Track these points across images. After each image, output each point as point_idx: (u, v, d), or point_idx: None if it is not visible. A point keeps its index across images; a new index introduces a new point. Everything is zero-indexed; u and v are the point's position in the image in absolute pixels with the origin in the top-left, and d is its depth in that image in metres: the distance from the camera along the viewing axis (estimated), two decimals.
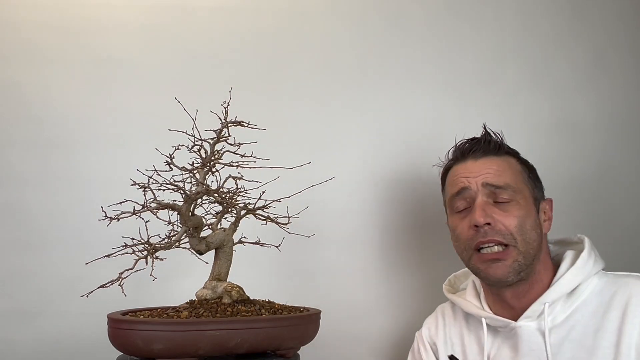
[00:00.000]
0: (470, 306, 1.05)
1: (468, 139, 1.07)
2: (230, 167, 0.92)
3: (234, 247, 0.95)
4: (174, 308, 0.91)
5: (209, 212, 0.96)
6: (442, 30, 1.44)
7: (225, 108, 0.91)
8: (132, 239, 0.82)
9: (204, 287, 0.93)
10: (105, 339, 0.86)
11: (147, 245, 0.81)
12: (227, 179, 0.92)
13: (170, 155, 0.84)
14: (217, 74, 1.31)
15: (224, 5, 1.33)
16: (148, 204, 0.80)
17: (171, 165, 0.84)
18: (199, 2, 1.32)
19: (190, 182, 0.88)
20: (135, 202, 0.80)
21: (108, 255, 0.82)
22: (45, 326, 1.19)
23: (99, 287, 0.84)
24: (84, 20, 1.27)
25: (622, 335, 0.90)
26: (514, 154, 1.06)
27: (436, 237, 1.36)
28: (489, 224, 0.96)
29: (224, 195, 0.89)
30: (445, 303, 1.16)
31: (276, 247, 0.99)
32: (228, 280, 0.94)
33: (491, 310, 1.03)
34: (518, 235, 0.96)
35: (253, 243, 0.99)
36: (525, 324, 0.97)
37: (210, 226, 0.96)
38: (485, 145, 1.04)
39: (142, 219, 0.81)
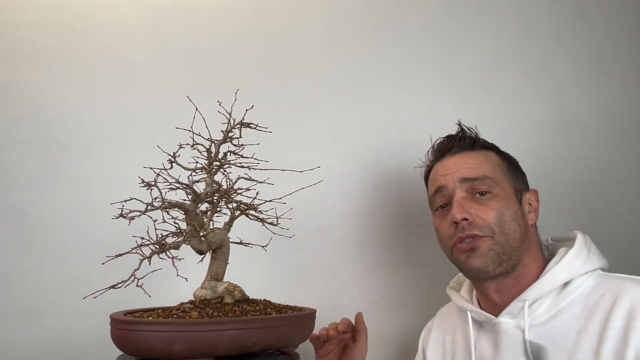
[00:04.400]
0: (460, 299, 1.05)
1: (444, 137, 1.07)
2: (238, 168, 0.91)
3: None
4: (177, 308, 0.88)
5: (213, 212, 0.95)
6: (442, 30, 1.44)
7: (231, 109, 0.91)
8: (142, 237, 0.81)
9: (202, 287, 0.91)
10: (105, 339, 0.85)
11: (156, 245, 0.81)
12: (238, 179, 0.91)
13: (174, 153, 0.84)
14: (218, 74, 1.31)
15: (226, 4, 1.33)
16: (155, 203, 0.79)
17: (177, 164, 0.84)
18: (201, 2, 1.32)
19: (191, 181, 0.87)
20: (140, 200, 0.80)
21: (121, 254, 0.81)
22: (45, 326, 1.19)
23: (108, 288, 0.82)
24: (85, 20, 1.27)
25: (603, 342, 0.85)
26: (491, 147, 1.05)
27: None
28: (466, 220, 0.95)
29: (234, 195, 0.88)
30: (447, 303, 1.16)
31: (263, 247, 0.99)
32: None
33: (479, 305, 1.02)
34: (496, 227, 0.94)
35: (244, 244, 0.98)
36: (505, 320, 0.95)
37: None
38: (460, 142, 1.04)
39: (150, 217, 0.81)
